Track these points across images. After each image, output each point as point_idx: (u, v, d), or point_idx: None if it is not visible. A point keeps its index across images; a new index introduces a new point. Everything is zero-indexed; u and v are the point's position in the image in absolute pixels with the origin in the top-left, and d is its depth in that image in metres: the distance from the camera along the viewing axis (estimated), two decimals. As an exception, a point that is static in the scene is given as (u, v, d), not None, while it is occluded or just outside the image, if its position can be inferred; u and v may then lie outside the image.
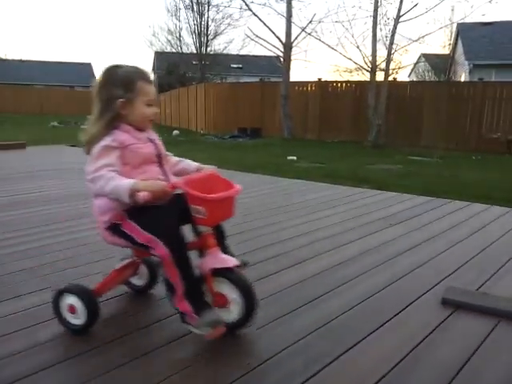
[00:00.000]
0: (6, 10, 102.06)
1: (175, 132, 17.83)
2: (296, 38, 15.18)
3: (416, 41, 14.36)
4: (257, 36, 15.61)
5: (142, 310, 2.16)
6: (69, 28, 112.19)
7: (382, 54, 14.22)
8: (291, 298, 2.26)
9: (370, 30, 13.73)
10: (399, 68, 15.53)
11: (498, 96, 12.66)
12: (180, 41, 29.40)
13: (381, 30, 14.12)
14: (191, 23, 28.02)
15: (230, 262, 1.82)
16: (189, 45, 29.12)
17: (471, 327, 2.01)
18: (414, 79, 26.66)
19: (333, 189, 5.40)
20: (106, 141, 1.80)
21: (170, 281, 1.78)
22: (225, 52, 28.60)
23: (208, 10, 27.17)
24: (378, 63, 13.80)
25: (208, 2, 26.92)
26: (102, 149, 1.79)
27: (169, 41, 29.88)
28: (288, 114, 14.99)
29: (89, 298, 1.89)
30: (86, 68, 45.48)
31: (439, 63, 25.29)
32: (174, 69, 28.88)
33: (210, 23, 27.60)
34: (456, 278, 2.55)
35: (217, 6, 26.51)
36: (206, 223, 1.81)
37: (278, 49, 15.32)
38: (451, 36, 24.84)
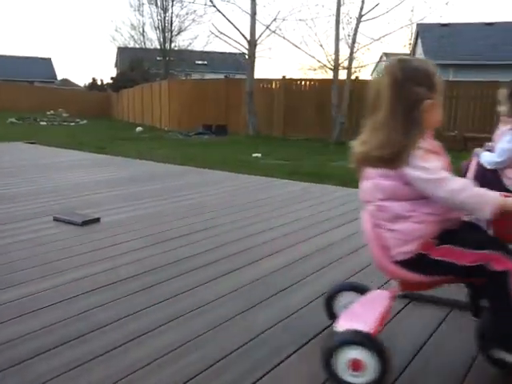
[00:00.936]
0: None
1: (138, 129, 17.57)
2: (260, 36, 15.24)
3: (377, 40, 14.67)
4: (221, 33, 15.56)
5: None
6: (28, 22, 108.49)
7: (344, 52, 14.47)
8: (254, 293, 2.30)
9: (333, 28, 13.94)
10: (361, 67, 15.87)
11: (455, 95, 13.10)
12: (143, 36, 29.04)
13: (343, 28, 14.37)
14: (155, 18, 27.72)
15: None
16: (152, 40, 28.79)
17: (425, 316, 2.10)
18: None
19: (296, 185, 5.47)
20: (424, 144, 1.49)
21: None
22: (189, 48, 28.39)
23: (172, 6, 26.92)
24: (340, 61, 14.02)
25: (172, -3, 26.63)
26: (424, 152, 1.47)
27: (132, 36, 29.48)
28: (253, 111, 15.03)
29: (378, 347, 1.50)
30: (47, 63, 44.19)
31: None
32: (138, 64, 28.45)
33: (174, 19, 27.36)
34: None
35: (181, 1, 26.17)
36: None
37: (243, 46, 15.34)
38: (411, 36, 25.51)
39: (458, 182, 1.46)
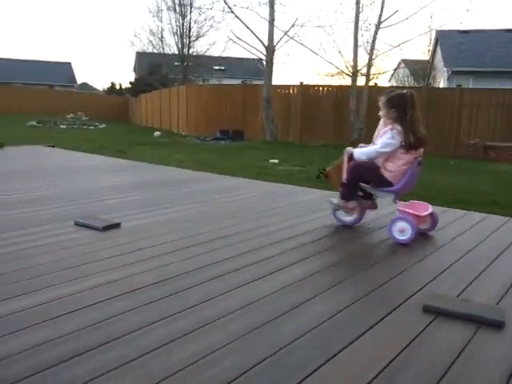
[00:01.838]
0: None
1: (156, 133, 17.71)
2: (278, 42, 15.27)
3: (396, 47, 14.59)
4: (239, 39, 15.63)
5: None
6: (49, 27, 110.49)
7: (363, 59, 14.41)
8: (278, 303, 2.27)
9: (352, 35, 13.90)
10: (380, 73, 15.76)
11: (475, 102, 12.93)
12: (162, 42, 29.33)
13: (362, 35, 14.33)
14: (173, 24, 27.99)
15: None
16: (171, 46, 29.07)
17: (453, 333, 2.05)
18: (394, 84, 26.99)
19: (315, 193, 5.42)
20: None
21: None
22: (207, 54, 28.57)
23: (190, 12, 27.17)
24: (359, 68, 13.96)
25: (190, 4, 26.89)
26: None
27: (150, 41, 29.78)
28: (270, 117, 15.04)
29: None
30: (66, 67, 44.91)
31: (419, 69, 25.71)
32: (156, 69, 28.72)
33: (192, 25, 27.60)
34: (437, 286, 2.59)
35: (199, 7, 26.47)
36: None
37: (261, 52, 15.38)
38: (430, 43, 25.31)
39: None
